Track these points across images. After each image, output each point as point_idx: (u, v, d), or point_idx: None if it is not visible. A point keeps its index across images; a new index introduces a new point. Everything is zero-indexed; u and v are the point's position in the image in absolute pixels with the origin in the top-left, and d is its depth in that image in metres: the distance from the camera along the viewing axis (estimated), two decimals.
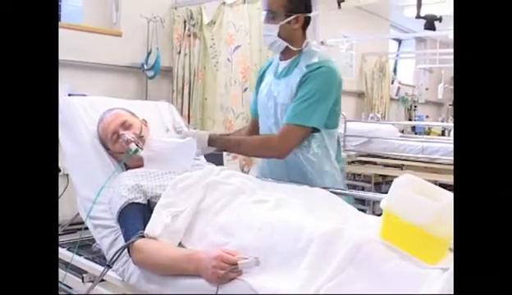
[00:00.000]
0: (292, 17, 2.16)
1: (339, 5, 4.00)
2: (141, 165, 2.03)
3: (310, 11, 2.23)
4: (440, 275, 1.28)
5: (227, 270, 1.44)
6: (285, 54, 2.25)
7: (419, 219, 1.35)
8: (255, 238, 1.55)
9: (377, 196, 2.28)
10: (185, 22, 4.43)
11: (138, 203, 1.78)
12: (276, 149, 2.14)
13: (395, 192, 1.45)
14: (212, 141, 2.20)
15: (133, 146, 2.03)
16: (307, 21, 2.22)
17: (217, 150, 2.24)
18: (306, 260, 1.42)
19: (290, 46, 2.20)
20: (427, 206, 1.36)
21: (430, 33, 5.44)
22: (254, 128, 2.45)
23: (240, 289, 1.44)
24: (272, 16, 2.18)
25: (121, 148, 2.06)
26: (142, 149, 2.04)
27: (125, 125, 2.10)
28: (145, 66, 4.36)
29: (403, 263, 1.34)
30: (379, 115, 7.22)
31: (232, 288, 1.45)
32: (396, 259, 1.36)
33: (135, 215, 1.75)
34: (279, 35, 2.17)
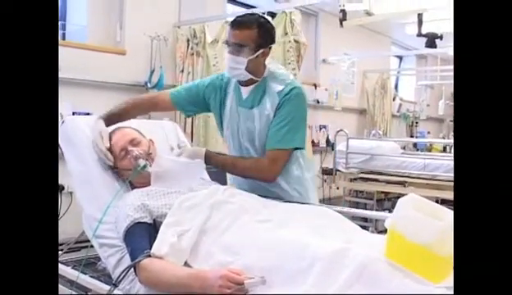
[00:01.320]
0: (260, 51, 2.15)
1: (341, 24, 4.03)
2: (147, 184, 2.04)
3: (274, 41, 2.24)
4: (444, 293, 1.30)
5: (233, 290, 1.46)
6: (247, 81, 2.24)
7: (423, 238, 1.36)
8: (260, 257, 1.57)
9: (378, 214, 2.30)
10: (188, 41, 4.47)
11: (144, 223, 1.79)
12: (266, 172, 2.21)
13: (399, 211, 1.46)
14: (208, 158, 2.23)
15: (142, 162, 2.06)
16: (269, 51, 2.23)
17: (212, 167, 2.28)
18: (311, 278, 1.44)
19: (254, 78, 2.21)
20: (431, 225, 1.37)
21: (431, 50, 5.48)
22: (156, 103, 2.43)
23: None
24: (239, 50, 2.14)
25: (129, 165, 2.08)
26: (151, 166, 2.06)
27: (134, 143, 2.13)
28: (149, 85, 4.39)
29: (408, 282, 1.35)
30: (381, 132, 7.24)
31: None
32: (401, 278, 1.37)
33: (141, 235, 1.76)
34: (246, 69, 2.16)
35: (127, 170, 2.09)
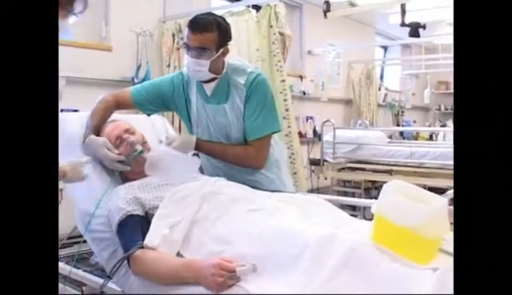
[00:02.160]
0: (220, 51, 2.18)
1: (325, 15, 4.07)
2: (138, 177, 2.05)
3: (231, 39, 2.26)
4: (431, 275, 1.34)
5: (226, 278, 1.49)
6: (209, 79, 2.27)
7: (410, 221, 1.41)
8: (252, 245, 1.61)
9: (367, 201, 2.35)
10: (173, 35, 4.48)
11: (136, 215, 1.81)
12: (254, 160, 2.29)
13: (385, 197, 1.50)
14: (198, 145, 2.26)
15: (139, 147, 2.08)
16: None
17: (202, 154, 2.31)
18: (302, 264, 1.48)
19: (215, 75, 2.24)
20: (416, 208, 1.41)
21: (415, 39, 5.53)
22: (119, 102, 2.40)
23: None
24: (202, 53, 2.14)
25: (125, 152, 2.07)
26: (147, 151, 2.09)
27: (129, 132, 2.15)
28: (135, 80, 4.39)
29: (395, 265, 1.40)
30: (367, 122, 7.29)
31: None
32: (389, 261, 1.41)
33: (134, 227, 1.78)
34: (209, 69, 2.18)
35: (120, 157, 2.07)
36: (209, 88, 2.28)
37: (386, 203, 1.49)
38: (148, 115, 2.45)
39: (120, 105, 2.39)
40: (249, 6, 4.19)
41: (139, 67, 4.46)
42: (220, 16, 2.26)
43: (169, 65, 4.53)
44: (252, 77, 2.23)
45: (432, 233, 1.42)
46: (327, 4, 4.08)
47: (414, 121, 9.33)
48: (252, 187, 2.12)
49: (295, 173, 4.53)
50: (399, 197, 1.46)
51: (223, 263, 1.52)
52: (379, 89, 8.58)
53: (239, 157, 2.29)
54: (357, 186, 5.88)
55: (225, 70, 2.26)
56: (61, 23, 1.53)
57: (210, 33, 2.12)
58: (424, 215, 1.39)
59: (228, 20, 3.99)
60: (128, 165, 2.06)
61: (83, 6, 1.58)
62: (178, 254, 1.71)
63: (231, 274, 1.50)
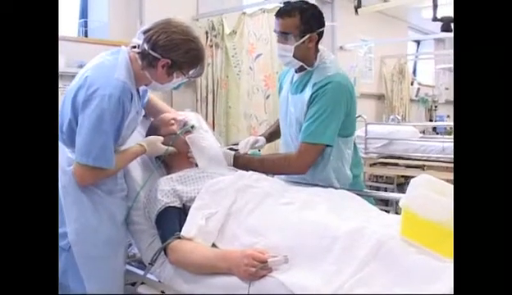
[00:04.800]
0: (306, 37, 2.22)
1: (356, 11, 4.09)
2: (178, 169, 2.14)
3: (323, 26, 2.29)
4: None
5: (258, 268, 1.56)
6: (300, 68, 2.34)
7: (437, 215, 1.45)
8: (283, 237, 1.67)
9: (398, 196, 2.37)
10: (206, 33, 4.52)
11: (174, 207, 1.90)
12: (295, 167, 2.27)
13: (412, 191, 1.55)
14: (236, 160, 2.31)
15: (191, 122, 2.22)
16: (320, 36, 2.29)
17: (240, 168, 2.30)
18: (332, 256, 1.54)
19: (304, 65, 2.28)
20: (443, 203, 1.45)
21: (448, 33, 5.48)
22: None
23: (271, 285, 1.55)
24: (285, 38, 2.23)
25: (176, 129, 2.20)
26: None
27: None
28: None
29: (422, 257, 1.44)
30: (399, 117, 7.25)
31: (263, 285, 1.57)
32: (416, 253, 1.46)
33: (172, 218, 1.87)
34: (294, 56, 2.24)
35: (170, 135, 2.17)
36: (296, 78, 2.37)
37: (412, 197, 1.53)
38: None
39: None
40: (280, 3, 4.23)
41: None
42: (310, 4, 2.29)
43: None
44: (325, 81, 2.20)
45: None
46: (359, 0, 4.09)
47: (448, 116, 9.22)
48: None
49: None
50: (425, 191, 1.50)
51: (255, 254, 1.59)
52: (412, 84, 8.51)
53: (279, 166, 2.31)
54: (389, 181, 5.86)
55: (316, 64, 2.29)
56: (174, 79, 1.93)
57: (291, 18, 2.20)
58: (450, 209, 1.42)
59: (260, 17, 4.08)
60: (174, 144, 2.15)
61: (198, 74, 1.98)
62: (213, 245, 1.78)
63: (263, 264, 1.56)
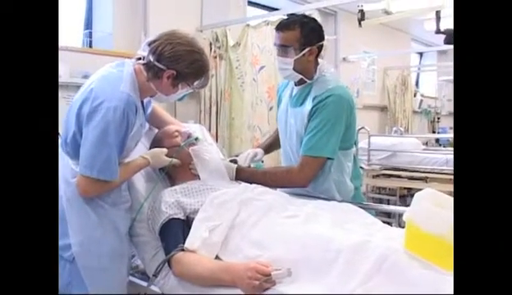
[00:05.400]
0: (306, 50, 2.23)
1: (359, 23, 4.10)
2: (182, 180, 2.14)
3: (323, 39, 2.30)
4: None
5: (261, 281, 1.56)
6: (299, 81, 2.34)
7: (438, 229, 1.45)
8: (287, 250, 1.67)
9: (401, 209, 2.37)
10: (210, 44, 4.54)
11: (178, 219, 1.90)
12: (296, 181, 2.26)
13: (416, 205, 1.55)
14: (238, 172, 2.31)
15: (195, 134, 2.23)
16: (320, 49, 2.30)
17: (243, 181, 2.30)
18: (335, 269, 1.54)
19: (304, 78, 2.29)
20: (445, 217, 1.45)
21: (451, 45, 5.48)
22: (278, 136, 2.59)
23: None
24: (285, 51, 2.24)
25: (180, 141, 2.21)
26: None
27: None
28: None
29: (425, 271, 1.44)
30: (402, 129, 7.25)
31: None
32: (419, 267, 1.46)
33: (175, 230, 1.87)
34: (294, 68, 2.25)
35: (174, 146, 2.18)
36: (296, 91, 2.38)
37: (416, 211, 1.53)
38: None
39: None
40: (284, 16, 4.25)
41: None
42: (310, 17, 2.32)
43: None
44: (326, 94, 2.19)
45: None
46: (362, 13, 4.10)
47: (450, 128, 9.21)
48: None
49: None
50: (428, 205, 1.50)
51: (259, 267, 1.59)
52: (414, 96, 8.52)
53: (281, 180, 2.30)
54: (392, 193, 5.86)
55: (316, 78, 2.30)
56: (179, 90, 1.95)
57: (292, 31, 2.22)
58: (452, 222, 1.43)
59: (264, 29, 4.10)
60: (177, 156, 2.15)
61: (203, 85, 2.01)
62: (216, 257, 1.78)
63: (267, 277, 1.56)
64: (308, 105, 2.23)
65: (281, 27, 2.25)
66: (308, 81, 2.30)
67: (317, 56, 2.30)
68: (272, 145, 2.69)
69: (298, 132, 2.30)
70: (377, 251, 1.52)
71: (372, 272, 1.49)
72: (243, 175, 2.30)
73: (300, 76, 2.29)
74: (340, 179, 2.32)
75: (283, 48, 2.24)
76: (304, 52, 2.22)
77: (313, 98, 2.22)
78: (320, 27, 2.30)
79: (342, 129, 2.22)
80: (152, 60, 1.88)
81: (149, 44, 1.90)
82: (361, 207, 2.10)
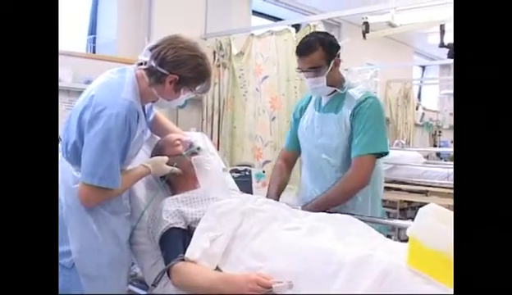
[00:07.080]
0: (332, 63, 2.31)
1: (364, 36, 4.10)
2: (184, 189, 2.13)
3: (340, 47, 2.38)
4: None
5: (262, 293, 1.55)
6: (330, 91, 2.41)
7: (441, 245, 1.43)
8: (288, 262, 1.65)
9: (401, 223, 2.37)
10: (214, 53, 4.54)
11: (178, 228, 1.89)
12: (357, 183, 2.31)
13: (419, 220, 1.54)
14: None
15: (197, 144, 2.23)
16: (339, 56, 2.38)
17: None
18: (337, 283, 1.52)
19: (334, 87, 2.37)
20: (449, 233, 1.43)
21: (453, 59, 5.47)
22: (288, 162, 2.65)
23: None
24: (316, 71, 2.31)
25: (181, 150, 2.20)
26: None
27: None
28: None
29: (427, 287, 1.43)
30: (404, 142, 7.24)
31: None
32: (421, 283, 1.44)
33: (176, 239, 1.86)
34: (327, 84, 2.33)
35: (175, 155, 2.17)
36: (325, 99, 2.44)
37: (419, 226, 1.52)
38: None
39: (288, 164, 2.65)
40: (288, 26, 4.25)
41: None
42: (322, 31, 2.48)
43: None
44: (365, 96, 2.32)
45: None
46: (366, 25, 4.10)
47: (452, 141, 9.20)
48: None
49: None
50: (432, 221, 1.49)
51: (260, 279, 1.58)
52: (416, 109, 8.52)
53: (342, 192, 2.32)
54: (392, 206, 5.84)
55: (345, 84, 2.39)
56: (181, 95, 1.95)
57: (316, 51, 2.29)
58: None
59: (268, 39, 4.10)
60: (179, 165, 2.14)
61: (204, 90, 2.01)
62: (217, 268, 1.77)
63: (268, 289, 1.55)
64: (346, 109, 2.32)
65: (304, 51, 2.32)
66: (340, 90, 2.37)
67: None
68: (279, 189, 2.60)
69: (338, 134, 2.34)
70: (379, 266, 1.50)
71: (373, 287, 1.47)
72: (309, 209, 2.26)
73: (333, 88, 2.37)
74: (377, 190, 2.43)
75: (313, 70, 2.31)
76: (331, 66, 2.30)
77: (353, 102, 2.30)
78: (333, 37, 2.39)
79: (386, 129, 2.34)
80: (154, 65, 1.87)
81: (151, 49, 1.90)
82: (363, 220, 2.08)
